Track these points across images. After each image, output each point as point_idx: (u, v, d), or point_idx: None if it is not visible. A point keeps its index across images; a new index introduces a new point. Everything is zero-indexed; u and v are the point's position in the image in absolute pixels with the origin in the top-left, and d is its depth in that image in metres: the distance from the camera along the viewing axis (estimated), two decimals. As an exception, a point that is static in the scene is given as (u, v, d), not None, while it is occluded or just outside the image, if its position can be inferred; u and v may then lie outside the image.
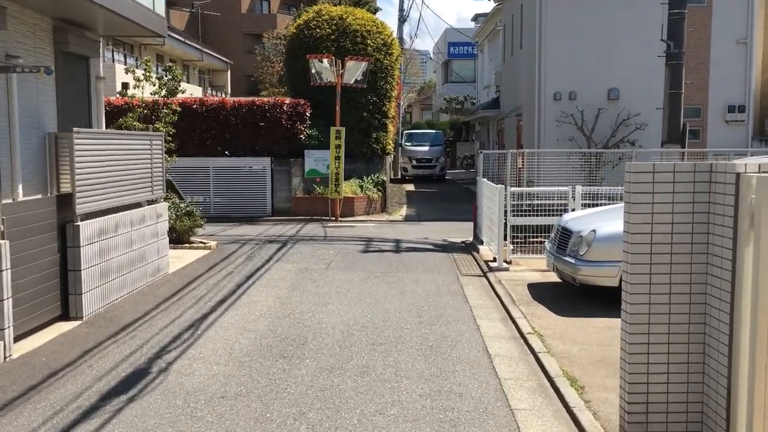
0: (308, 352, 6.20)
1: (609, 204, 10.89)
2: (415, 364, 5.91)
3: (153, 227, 9.01)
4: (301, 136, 17.88)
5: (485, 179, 12.37)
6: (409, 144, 30.69)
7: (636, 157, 15.22)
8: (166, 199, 11.82)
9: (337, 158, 17.24)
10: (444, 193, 24.76)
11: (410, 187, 27.06)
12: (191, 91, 28.11)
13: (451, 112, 43.79)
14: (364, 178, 18.82)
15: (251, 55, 49.05)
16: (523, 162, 16.32)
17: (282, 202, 17.92)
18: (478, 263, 11.14)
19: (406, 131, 34.39)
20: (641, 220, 4.11)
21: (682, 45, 14.19)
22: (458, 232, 14.84)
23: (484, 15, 37.03)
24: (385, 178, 19.27)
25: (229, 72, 52.58)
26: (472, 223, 13.87)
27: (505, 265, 10.32)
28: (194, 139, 17.56)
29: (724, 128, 19.44)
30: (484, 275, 10.12)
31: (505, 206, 10.41)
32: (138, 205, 8.71)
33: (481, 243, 12.48)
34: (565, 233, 8.42)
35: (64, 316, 7.01)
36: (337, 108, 17.32)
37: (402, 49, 33.89)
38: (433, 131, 34.06)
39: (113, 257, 7.80)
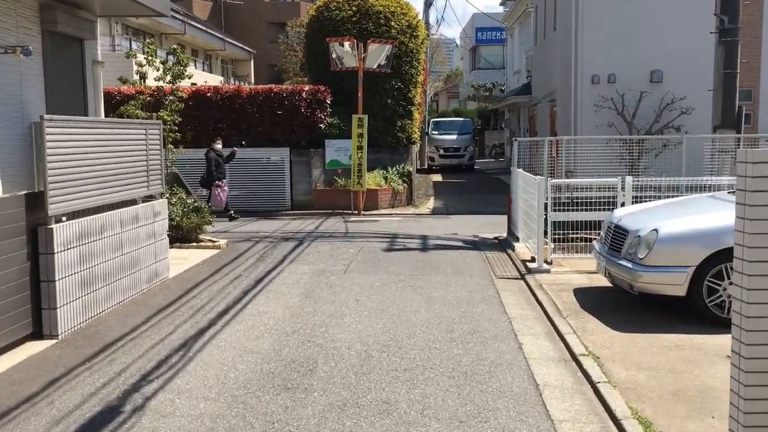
0: (317, 381, 5.14)
1: (659, 198, 9.70)
2: (447, 399, 4.82)
3: (149, 227, 8.03)
4: (321, 124, 16.83)
5: (521, 170, 11.20)
6: (436, 132, 29.50)
7: (686, 144, 13.94)
8: (172, 194, 10.88)
9: (360, 148, 16.17)
10: (473, 183, 23.57)
11: (437, 177, 25.92)
12: (209, 80, 27.21)
13: (478, 100, 42.46)
14: (389, 168, 17.73)
15: (274, 44, 48.21)
16: (557, 150, 15.12)
17: (301, 195, 16.91)
18: (514, 263, 10.01)
19: (432, 119, 33.20)
20: (762, 228, 2.96)
21: (737, 20, 12.88)
22: (490, 226, 13.70)
23: (513, -2, 35.58)
24: (410, 169, 18.16)
25: (252, 61, 51.77)
26: (504, 217, 12.74)
27: (545, 266, 9.18)
28: (209, 129, 16.61)
29: (777, 112, 17.98)
30: (522, 278, 8.99)
31: (546, 200, 9.24)
32: (132, 202, 7.72)
33: (517, 240, 11.33)
34: (619, 232, 7.25)
35: (37, 334, 6.04)
36: (359, 94, 16.22)
37: (428, 34, 32.67)
38: (461, 119, 32.82)
39: (98, 264, 6.82)
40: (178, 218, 10.54)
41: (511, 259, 10.34)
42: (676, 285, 6.51)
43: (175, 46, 11.18)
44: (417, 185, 21.99)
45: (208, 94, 16.54)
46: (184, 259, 9.74)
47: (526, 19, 28.86)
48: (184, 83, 12.74)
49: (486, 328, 6.66)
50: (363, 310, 7.23)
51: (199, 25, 40.55)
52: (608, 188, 9.92)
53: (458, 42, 56.70)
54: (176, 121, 11.44)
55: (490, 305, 7.55)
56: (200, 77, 31.00)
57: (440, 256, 10.53)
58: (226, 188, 14.99)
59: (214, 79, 30.97)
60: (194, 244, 10.70)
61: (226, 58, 50.07)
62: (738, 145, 13.07)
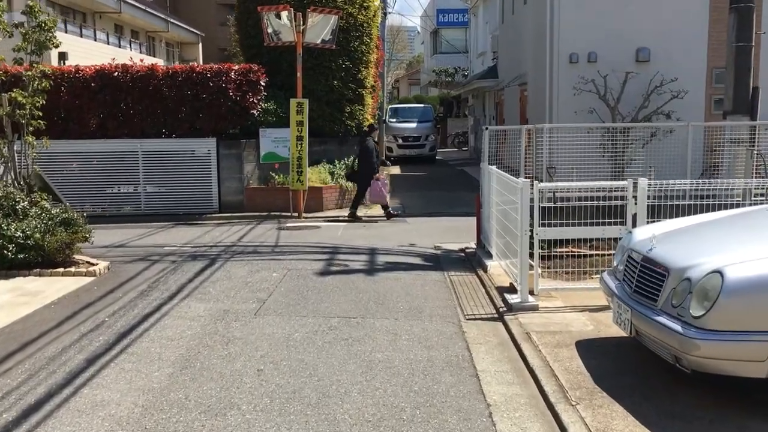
0: None
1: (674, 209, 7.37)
2: None
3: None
4: (254, 110, 14.14)
5: (495, 168, 8.73)
6: (394, 120, 26.94)
7: (690, 134, 11.63)
8: (32, 203, 8.13)
9: (300, 138, 13.53)
10: (435, 177, 21.09)
11: (395, 170, 23.38)
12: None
13: (440, 86, 40.03)
14: (336, 162, 15.14)
15: (225, 26, 45.14)
16: (529, 141, 12.75)
17: (232, 195, 14.22)
18: (488, 292, 7.56)
19: (390, 106, 30.66)
20: None
21: (752, -19, 10.56)
22: (455, 233, 11.31)
23: (477, -24, 33.06)
24: (362, 163, 15.56)
25: (200, 45, 48.65)
26: (471, 220, 10.41)
27: (531, 299, 6.73)
28: (118, 116, 13.81)
29: (778, 95, 15.83)
30: (501, 318, 6.53)
31: (532, 210, 6.76)
32: None
33: (489, 256, 8.91)
34: (652, 269, 4.79)
35: None
36: (299, 74, 13.59)
37: (385, 13, 30.04)
38: (422, 106, 30.31)
39: None
40: (38, 235, 7.80)
41: (484, 286, 7.89)
42: (754, 361, 4.09)
43: (30, 3, 8.39)
44: (372, 180, 19.46)
45: (116, 74, 13.70)
46: (33, 297, 7.02)
47: (492, -4, 26.45)
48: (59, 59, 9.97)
49: (453, 428, 4.15)
50: (263, 395, 4.65)
51: (137, 4, 37.27)
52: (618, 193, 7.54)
53: (419, 27, 54.09)
54: (38, 105, 8.63)
55: (458, 377, 5.05)
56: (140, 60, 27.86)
57: (391, 281, 8.00)
58: (386, 181, 13.51)
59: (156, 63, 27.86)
60: (60, 269, 7.96)
61: (171, 41, 46.89)
62: (754, 133, 10.83)
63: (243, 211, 13.97)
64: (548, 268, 7.62)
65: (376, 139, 13.32)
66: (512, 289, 7.22)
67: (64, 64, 21.92)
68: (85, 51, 25.71)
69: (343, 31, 14.89)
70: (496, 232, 8.55)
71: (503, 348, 5.75)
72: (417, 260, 9.39)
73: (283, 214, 13.69)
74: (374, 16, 16.26)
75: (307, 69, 14.63)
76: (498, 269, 8.33)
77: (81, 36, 28.31)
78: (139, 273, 8.25)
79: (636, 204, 6.76)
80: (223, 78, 13.81)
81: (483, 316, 6.67)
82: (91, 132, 13.79)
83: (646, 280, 4.81)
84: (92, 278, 7.87)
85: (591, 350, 5.40)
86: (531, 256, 6.84)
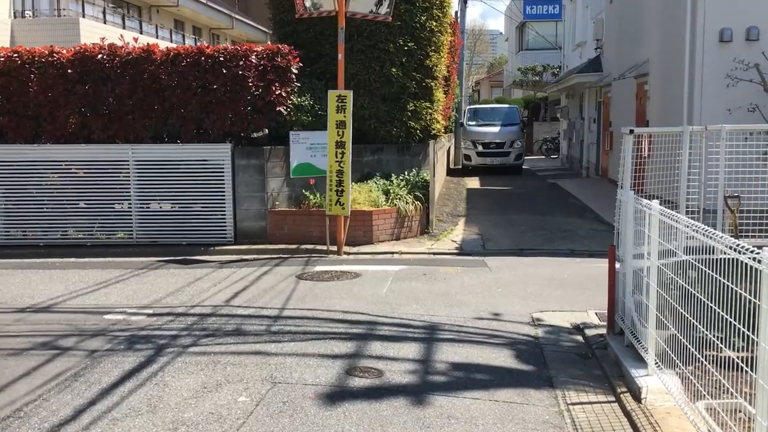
0: None
1: None
2: None
3: None
4: (283, 107, 10.45)
5: (656, 205, 4.66)
6: (473, 123, 22.87)
7: None
8: None
9: (340, 145, 9.76)
10: (522, 193, 16.90)
11: (473, 182, 19.35)
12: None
13: (525, 86, 35.63)
14: (393, 177, 11.30)
15: (295, 24, 41.98)
16: (650, 148, 8.54)
17: (251, 220, 10.57)
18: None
19: (469, 107, 26.65)
20: None
21: None
22: (559, 287, 7.41)
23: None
24: (427, 178, 11.64)
25: (268, 43, 45.79)
26: (580, 263, 6.56)
27: None
28: (104, 112, 10.41)
29: None
30: None
31: None
32: None
33: (636, 355, 4.92)
34: None
35: None
36: (340, 56, 9.82)
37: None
38: (506, 106, 26.10)
39: None
40: None
41: (645, 448, 3.88)
42: None
43: None
44: (445, 195, 15.56)
45: (99, 56, 10.30)
46: None
47: (594, -26, 21.95)
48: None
49: None
50: None
51: (202, -1, 34.65)
52: None
53: (504, 15, 49.61)
54: None
55: None
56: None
57: (457, 426, 4.07)
58: None
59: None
60: None
61: (238, 40, 44.19)
62: None
63: (265, 242, 10.33)
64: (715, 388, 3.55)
65: None
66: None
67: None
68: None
69: (405, 1, 11.11)
70: (657, 319, 4.55)
71: None
72: (504, 357, 5.41)
73: (318, 247, 9.98)
74: (448, -17, 12.34)
75: (355, 52, 10.93)
76: (665, 397, 4.36)
77: (123, 27, 25.63)
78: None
79: None
80: (241, 63, 10.18)
81: None
82: (69, 135, 10.48)
83: None
84: None
85: None
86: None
